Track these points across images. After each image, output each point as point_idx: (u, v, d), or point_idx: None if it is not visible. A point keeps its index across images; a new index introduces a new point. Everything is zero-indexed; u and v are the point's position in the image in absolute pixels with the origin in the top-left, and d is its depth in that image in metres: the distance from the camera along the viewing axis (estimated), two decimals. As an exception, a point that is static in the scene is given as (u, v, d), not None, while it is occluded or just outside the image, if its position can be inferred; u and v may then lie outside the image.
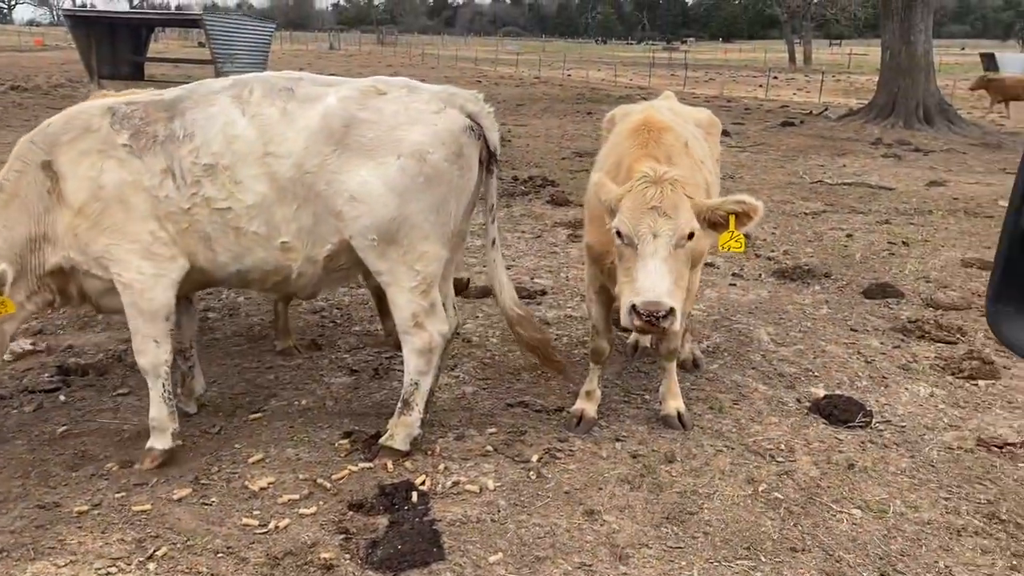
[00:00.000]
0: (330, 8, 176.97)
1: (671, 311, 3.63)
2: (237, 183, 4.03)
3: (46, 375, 5.39)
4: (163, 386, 4.25)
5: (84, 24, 21.99)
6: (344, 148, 4.06)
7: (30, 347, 5.77)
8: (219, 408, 4.96)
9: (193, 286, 4.51)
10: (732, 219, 3.93)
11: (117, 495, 3.94)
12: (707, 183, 4.58)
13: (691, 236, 3.83)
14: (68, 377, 5.35)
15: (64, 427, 4.68)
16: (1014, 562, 3.66)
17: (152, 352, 4.19)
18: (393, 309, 4.34)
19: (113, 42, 17.84)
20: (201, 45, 61.11)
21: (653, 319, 3.63)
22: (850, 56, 70.29)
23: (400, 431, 4.38)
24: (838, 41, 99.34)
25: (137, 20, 20.03)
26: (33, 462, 4.28)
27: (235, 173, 4.02)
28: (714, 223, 3.97)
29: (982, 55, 48.36)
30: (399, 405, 4.43)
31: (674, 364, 4.95)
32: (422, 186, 4.09)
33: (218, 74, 16.88)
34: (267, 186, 4.03)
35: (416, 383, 4.37)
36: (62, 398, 5.08)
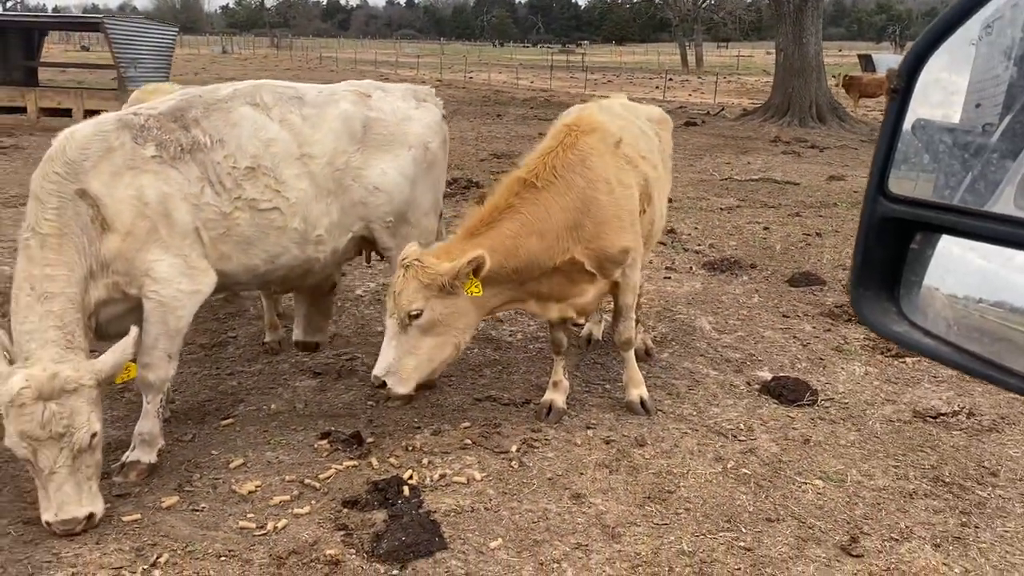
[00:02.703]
0: (219, 11, 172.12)
1: (383, 383, 4.09)
2: (281, 183, 4.24)
3: None
4: (161, 401, 4.22)
5: (-29, 28, 20.79)
6: (364, 145, 4.68)
7: None
8: (188, 416, 4.91)
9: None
10: (468, 279, 4.06)
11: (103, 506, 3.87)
12: (645, 179, 4.78)
13: (417, 315, 4.03)
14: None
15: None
16: (963, 519, 4.02)
17: (164, 368, 4.14)
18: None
19: (4, 47, 16.92)
20: (85, 49, 58.62)
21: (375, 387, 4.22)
22: (738, 58, 73.12)
23: None
24: (725, 43, 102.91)
25: (29, 23, 19.05)
26: (3, 478, 4.16)
27: (278, 174, 4.23)
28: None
29: (860, 56, 51.01)
30: None
31: (631, 352, 5.15)
32: (426, 171, 4.93)
33: (121, 80, 16.23)
34: (307, 183, 4.37)
35: None
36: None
